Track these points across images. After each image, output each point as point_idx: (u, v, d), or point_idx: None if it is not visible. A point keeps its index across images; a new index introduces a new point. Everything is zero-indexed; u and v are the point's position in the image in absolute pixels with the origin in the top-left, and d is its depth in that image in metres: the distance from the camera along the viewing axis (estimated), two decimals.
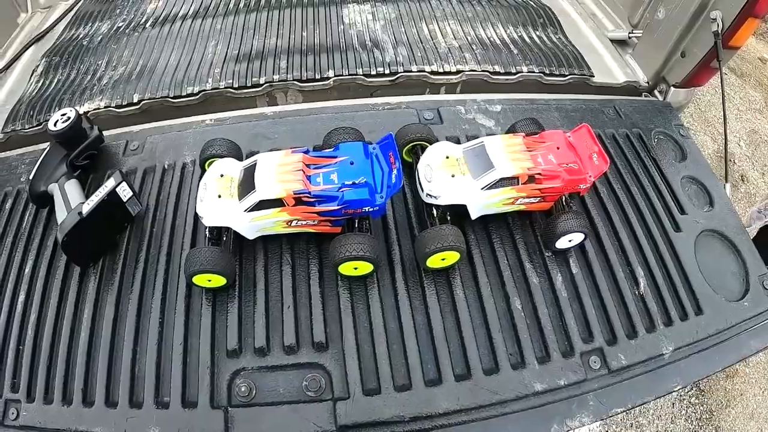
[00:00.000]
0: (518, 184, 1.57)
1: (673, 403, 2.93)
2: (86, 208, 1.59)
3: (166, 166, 1.81)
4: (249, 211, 1.50)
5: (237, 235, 1.57)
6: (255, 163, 1.54)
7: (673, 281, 1.77)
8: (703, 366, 1.65)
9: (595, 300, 1.67)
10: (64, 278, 1.66)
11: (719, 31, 1.90)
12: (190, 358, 1.49)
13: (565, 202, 1.69)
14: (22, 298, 1.63)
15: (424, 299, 1.56)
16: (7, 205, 1.77)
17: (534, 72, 2.04)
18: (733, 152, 4.14)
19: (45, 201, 1.77)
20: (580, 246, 1.71)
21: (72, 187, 1.77)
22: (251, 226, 1.54)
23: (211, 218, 1.53)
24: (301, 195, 1.46)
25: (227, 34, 2.11)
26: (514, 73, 2.03)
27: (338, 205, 1.47)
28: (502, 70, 2.02)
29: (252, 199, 1.48)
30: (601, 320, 1.65)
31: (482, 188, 1.55)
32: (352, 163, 1.52)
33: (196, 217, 1.71)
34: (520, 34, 2.20)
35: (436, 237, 1.48)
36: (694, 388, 2.99)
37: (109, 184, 1.65)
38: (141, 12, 2.27)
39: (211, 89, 1.93)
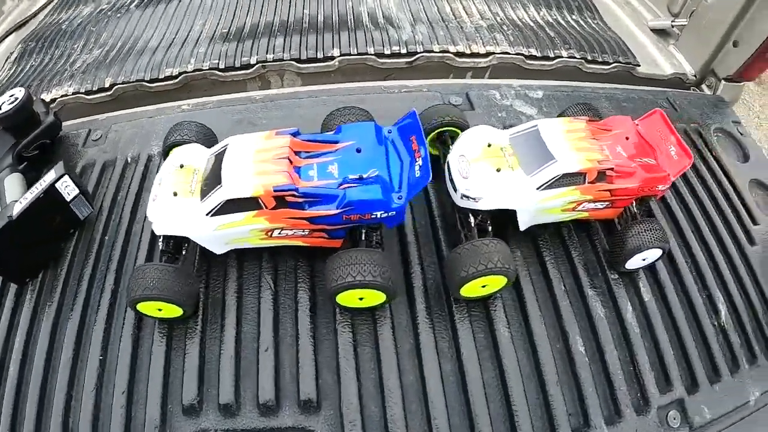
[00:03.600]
0: (584, 182, 0.92)
1: None
2: (17, 209, 1.00)
3: (128, 159, 1.17)
4: (213, 215, 0.85)
5: (203, 247, 0.93)
6: (225, 149, 0.89)
7: (753, 307, 1.11)
8: None
9: (671, 335, 1.03)
10: None
11: None
12: (135, 412, 0.89)
13: (636, 209, 1.03)
14: None
15: (455, 340, 0.90)
16: None
17: (575, 57, 1.39)
18: None
19: None
20: (650, 266, 1.05)
21: (13, 183, 1.15)
22: (216, 236, 0.89)
23: (163, 225, 0.91)
24: (284, 193, 0.81)
25: (218, 11, 1.47)
26: (552, 58, 1.38)
27: (338, 209, 0.82)
28: (539, 54, 1.36)
29: (216, 198, 0.84)
30: (680, 362, 1.00)
31: (538, 188, 0.89)
32: (359, 151, 0.87)
33: None
34: (554, 16, 1.55)
35: (476, 255, 0.83)
36: None
37: (48, 178, 1.06)
38: None
39: (193, 71, 1.29)
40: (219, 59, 1.30)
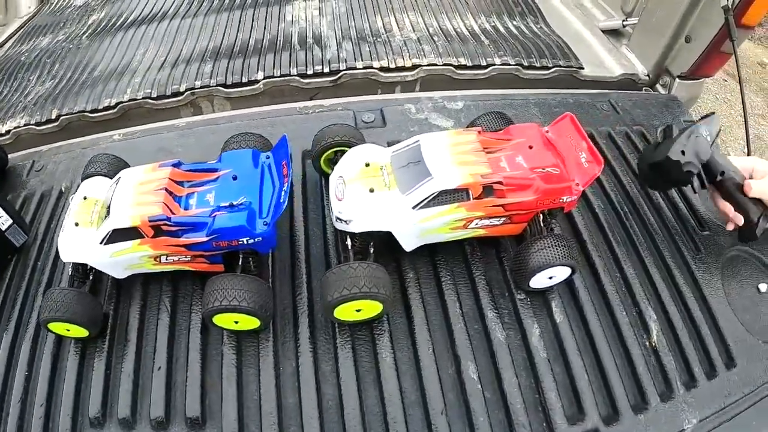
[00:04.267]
0: (468, 198, 0.91)
1: None
2: None
3: (63, 189, 1.27)
4: (105, 243, 0.91)
5: None
6: (119, 181, 0.96)
7: (695, 323, 1.05)
8: None
9: (588, 358, 0.98)
10: None
11: (730, 5, 1.23)
12: (53, 424, 0.95)
13: (544, 223, 1.00)
14: None
15: (335, 364, 0.91)
16: None
17: (509, 64, 1.37)
18: None
19: None
20: (567, 282, 1.02)
21: None
22: (112, 262, 0.96)
23: (67, 252, 0.97)
24: (158, 222, 0.86)
25: (159, 39, 1.55)
26: (485, 66, 1.36)
27: (207, 236, 0.86)
28: (470, 63, 1.35)
29: (105, 227, 0.90)
30: (597, 388, 0.96)
31: (414, 207, 0.89)
32: (235, 178, 0.91)
33: None
34: (493, 23, 1.53)
35: (342, 279, 0.84)
36: None
37: None
38: (83, 23, 1.76)
39: (129, 100, 1.38)
40: (152, 88, 1.38)
